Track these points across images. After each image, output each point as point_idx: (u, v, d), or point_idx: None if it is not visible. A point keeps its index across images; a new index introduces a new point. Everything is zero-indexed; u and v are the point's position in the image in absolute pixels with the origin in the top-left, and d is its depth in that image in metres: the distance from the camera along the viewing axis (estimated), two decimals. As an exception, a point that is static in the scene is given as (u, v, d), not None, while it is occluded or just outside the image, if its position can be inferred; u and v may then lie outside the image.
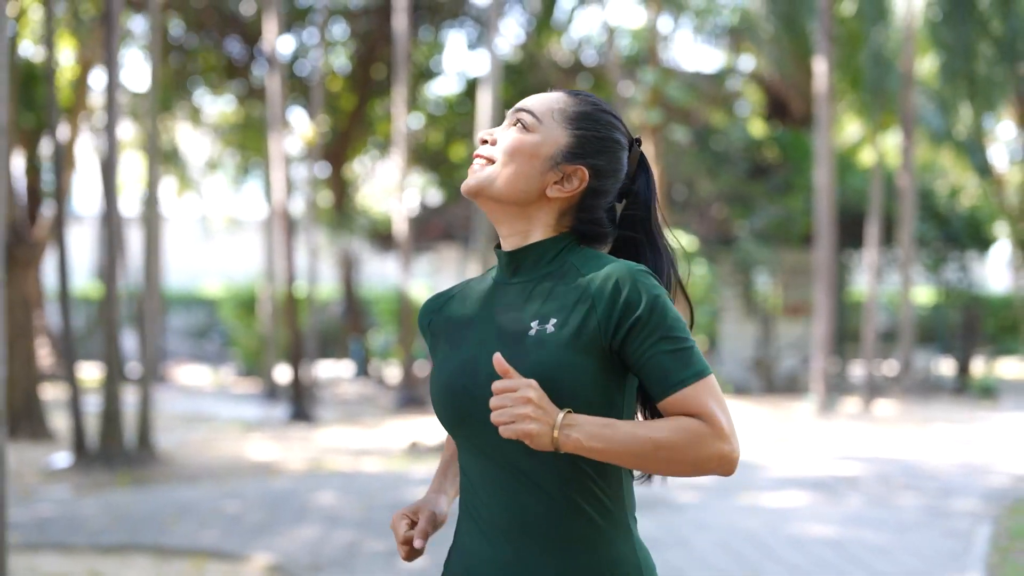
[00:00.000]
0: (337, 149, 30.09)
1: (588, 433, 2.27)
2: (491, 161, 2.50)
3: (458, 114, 31.75)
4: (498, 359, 2.28)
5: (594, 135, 2.55)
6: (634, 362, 2.40)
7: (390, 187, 34.24)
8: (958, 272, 26.69)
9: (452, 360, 2.51)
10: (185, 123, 32.66)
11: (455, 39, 31.85)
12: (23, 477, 12.79)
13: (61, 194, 14.41)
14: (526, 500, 2.42)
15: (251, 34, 28.62)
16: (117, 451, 13.67)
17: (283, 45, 20.24)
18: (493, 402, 2.26)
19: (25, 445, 15.30)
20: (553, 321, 2.43)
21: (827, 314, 20.75)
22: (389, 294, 32.47)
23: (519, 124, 2.51)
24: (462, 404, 2.45)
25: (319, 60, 22.98)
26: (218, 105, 32.75)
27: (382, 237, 29.57)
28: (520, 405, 2.24)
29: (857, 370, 27.29)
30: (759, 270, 25.43)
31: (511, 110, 2.54)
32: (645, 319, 2.38)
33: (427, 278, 26.82)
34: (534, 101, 2.54)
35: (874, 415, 19.93)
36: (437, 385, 2.51)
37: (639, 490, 11.79)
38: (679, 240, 2.86)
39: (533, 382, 2.27)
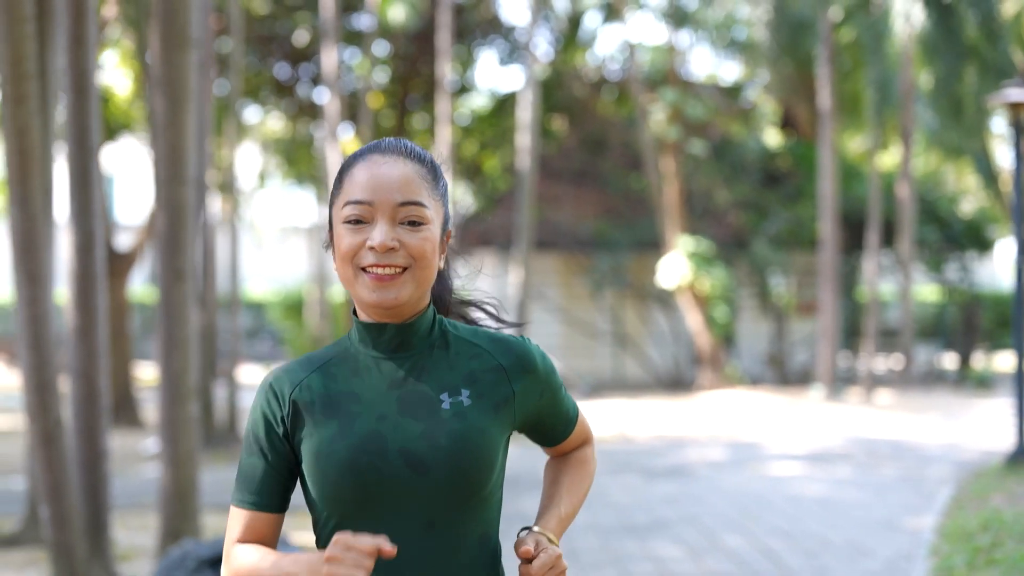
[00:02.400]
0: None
1: (559, 534, 2.53)
2: (403, 268, 2.38)
3: (490, 126, 33.82)
4: (526, 550, 2.36)
5: (446, 191, 2.52)
6: (540, 417, 2.56)
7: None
8: (959, 272, 28.73)
9: (347, 436, 2.39)
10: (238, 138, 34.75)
11: (487, 56, 33.78)
12: (124, 459, 14.93)
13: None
14: (432, 573, 2.39)
15: (297, 54, 30.82)
16: (211, 434, 15.84)
17: (330, 65, 22.28)
18: None
19: (123, 432, 17.48)
20: (465, 393, 2.42)
21: (833, 312, 22.84)
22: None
23: (415, 222, 2.40)
24: (368, 482, 2.36)
25: (364, 79, 25.10)
26: (268, 121, 34.84)
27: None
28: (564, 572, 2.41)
29: (870, 364, 29.28)
30: (773, 272, 27.43)
31: (387, 200, 2.39)
32: (549, 383, 2.55)
33: (465, 282, 28.88)
34: (410, 186, 2.40)
35: (875, 403, 21.97)
36: (330, 462, 2.38)
37: (663, 460, 14.00)
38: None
39: (558, 550, 2.39)
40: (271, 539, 2.49)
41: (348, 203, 2.40)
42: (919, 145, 29.61)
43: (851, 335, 28.19)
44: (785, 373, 27.22)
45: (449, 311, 2.64)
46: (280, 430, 2.45)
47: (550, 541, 2.44)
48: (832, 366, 22.93)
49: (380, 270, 2.37)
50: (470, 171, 34.47)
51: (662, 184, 25.70)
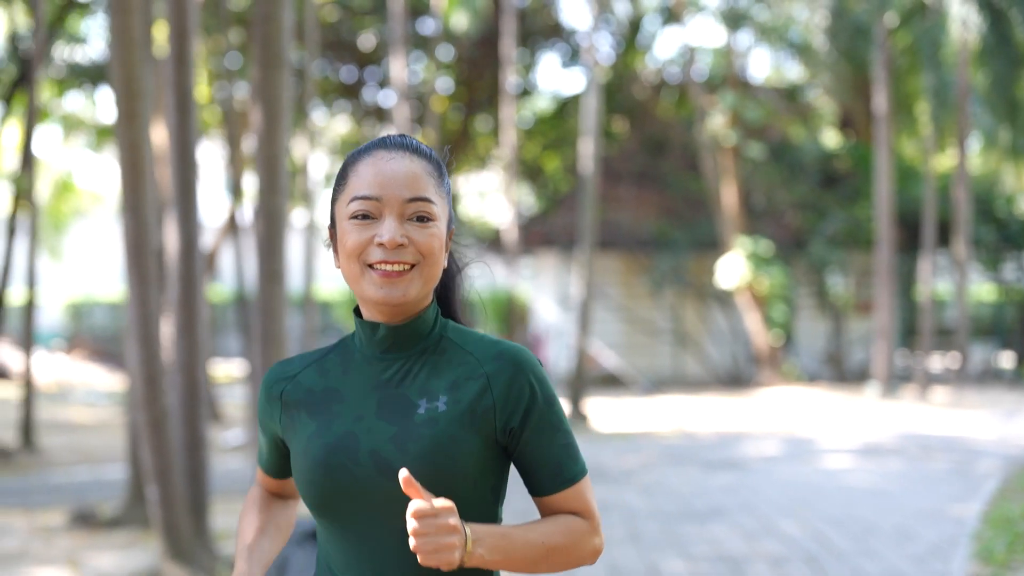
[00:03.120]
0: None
1: (489, 546, 2.26)
2: (411, 265, 2.37)
3: (552, 128, 34.45)
4: (407, 478, 2.17)
5: (450, 189, 2.51)
6: (525, 451, 2.40)
7: (492, 197, 37.16)
8: (1016, 271, 29.10)
9: (324, 436, 2.39)
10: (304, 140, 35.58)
11: (548, 59, 34.42)
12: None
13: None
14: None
15: (363, 58, 31.62)
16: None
17: (399, 70, 22.99)
18: (416, 528, 2.15)
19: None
20: (443, 399, 2.38)
21: (889, 311, 23.31)
22: (491, 296, 35.24)
23: (423, 218, 2.38)
24: (340, 482, 2.35)
25: (429, 82, 25.83)
26: (333, 124, 35.64)
27: (485, 243, 32.26)
28: (446, 534, 2.18)
29: (925, 362, 29.66)
30: (831, 271, 27.90)
31: (396, 195, 2.37)
32: (542, 410, 2.39)
33: (529, 281, 29.52)
34: (418, 182, 2.38)
35: (930, 400, 22.41)
36: (307, 461, 2.39)
37: (721, 453, 14.60)
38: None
39: (451, 505, 2.19)
40: (281, 491, 2.69)
41: (355, 198, 2.38)
42: (977, 146, 30.00)
43: (908, 334, 28.62)
44: (843, 371, 27.68)
45: (454, 312, 2.59)
46: (273, 424, 2.55)
47: (466, 529, 2.24)
48: (888, 364, 23.39)
49: (388, 267, 2.36)
50: (532, 172, 35.10)
51: (721, 185, 26.27)
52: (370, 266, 2.37)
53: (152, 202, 8.48)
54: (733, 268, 25.25)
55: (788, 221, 27.97)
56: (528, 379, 2.39)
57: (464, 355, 2.43)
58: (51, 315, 36.06)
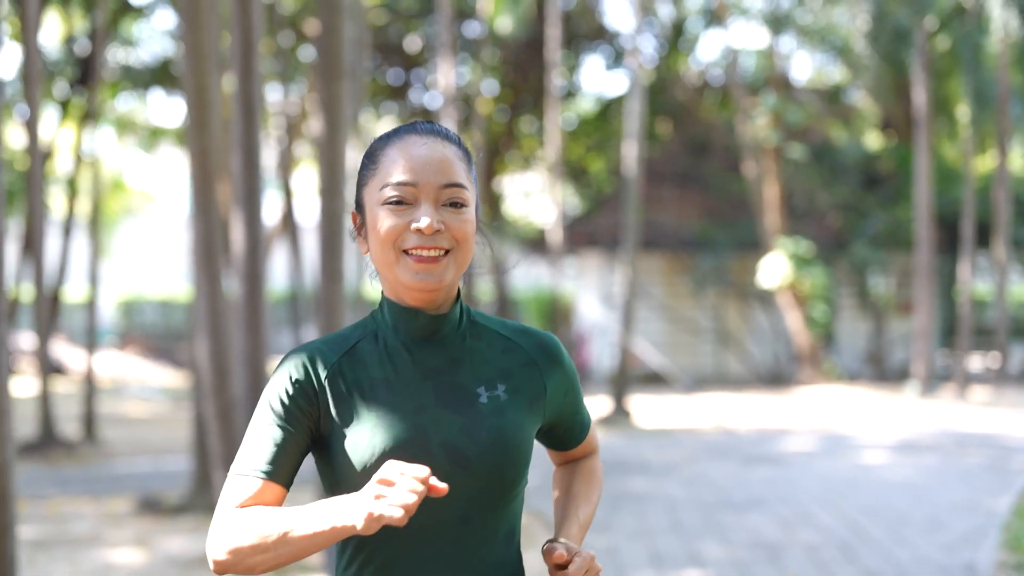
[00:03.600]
0: (488, 164, 33.43)
1: (579, 542, 2.54)
2: (446, 251, 2.38)
3: (595, 129, 34.89)
4: (559, 555, 2.36)
5: (475, 176, 2.51)
6: (560, 417, 2.58)
7: (537, 198, 37.62)
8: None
9: (388, 428, 2.35)
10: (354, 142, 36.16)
11: (592, 60, 34.85)
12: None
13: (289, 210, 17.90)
14: (454, 568, 2.38)
15: (409, 60, 32.17)
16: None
17: (446, 73, 23.50)
18: None
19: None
20: (502, 387, 2.43)
21: (928, 311, 23.62)
22: (535, 295, 35.72)
23: (456, 204, 2.39)
24: None
25: (474, 84, 26.33)
26: (381, 125, 36.19)
27: (530, 243, 32.72)
28: None
29: (965, 361, 29.91)
30: (872, 272, 28.20)
31: (432, 182, 2.37)
32: (574, 383, 2.58)
33: (573, 280, 29.97)
34: (452, 168, 2.40)
35: (968, 399, 22.70)
36: (370, 455, 2.34)
37: (761, 448, 14.98)
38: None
39: (591, 552, 2.40)
40: (278, 504, 2.37)
41: (389, 184, 2.37)
42: (1017, 147, 30.20)
43: (949, 334, 28.88)
44: (884, 370, 27.98)
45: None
46: (310, 410, 2.39)
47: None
48: (928, 364, 23.69)
49: (425, 252, 2.35)
50: (576, 173, 35.54)
51: (762, 186, 26.64)
52: (405, 252, 2.37)
53: (220, 205, 8.97)
54: (775, 268, 25.61)
55: (829, 222, 28.29)
56: (566, 365, 2.53)
57: (504, 340, 2.50)
58: (103, 312, 36.79)
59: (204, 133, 8.69)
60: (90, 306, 17.38)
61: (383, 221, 2.36)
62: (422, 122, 2.46)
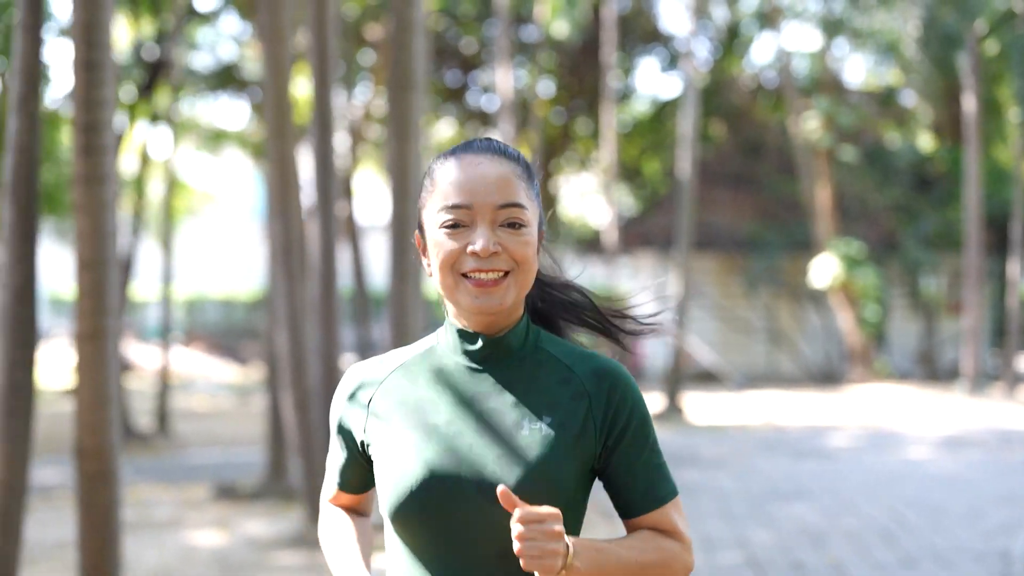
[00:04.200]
0: (544, 166, 33.97)
1: (586, 560, 2.23)
2: (505, 273, 2.32)
3: (650, 131, 35.35)
4: (504, 491, 2.15)
5: (539, 191, 2.45)
6: (618, 471, 2.37)
7: (592, 198, 38.13)
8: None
9: (423, 450, 2.31)
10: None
11: (647, 62, 35.31)
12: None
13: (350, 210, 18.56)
14: None
15: (467, 63, 32.80)
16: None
17: (503, 77, 24.07)
18: (522, 532, 2.13)
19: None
20: (546, 419, 2.33)
21: (977, 311, 23.99)
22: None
23: (515, 224, 2.33)
24: (439, 501, 2.27)
25: (531, 87, 26.89)
26: (439, 127, 36.80)
27: (585, 243, 33.19)
28: (552, 540, 2.16)
29: (1014, 361, 30.20)
30: (924, 272, 28.55)
31: (487, 203, 2.32)
32: (638, 429, 2.36)
33: (628, 280, 30.45)
34: (509, 187, 2.34)
35: (1017, 398, 23.04)
36: (403, 476, 2.30)
37: (809, 444, 15.47)
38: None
39: (558, 513, 2.18)
40: (358, 507, 2.57)
41: (445, 207, 2.32)
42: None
43: (999, 334, 29.15)
44: (935, 370, 28.32)
45: (552, 320, 2.53)
46: (355, 434, 2.43)
47: (567, 540, 2.21)
48: (977, 363, 24.04)
49: (483, 275, 2.30)
50: (631, 174, 36.02)
51: (815, 188, 27.06)
52: (464, 275, 2.31)
53: (299, 208, 9.60)
54: (826, 269, 26.03)
55: (881, 223, 28.65)
56: (627, 400, 2.36)
57: (563, 369, 2.39)
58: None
59: (284, 140, 9.32)
60: (165, 304, 18.14)
61: (440, 246, 2.32)
62: (480, 139, 2.40)
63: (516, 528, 2.13)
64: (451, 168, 2.35)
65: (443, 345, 2.43)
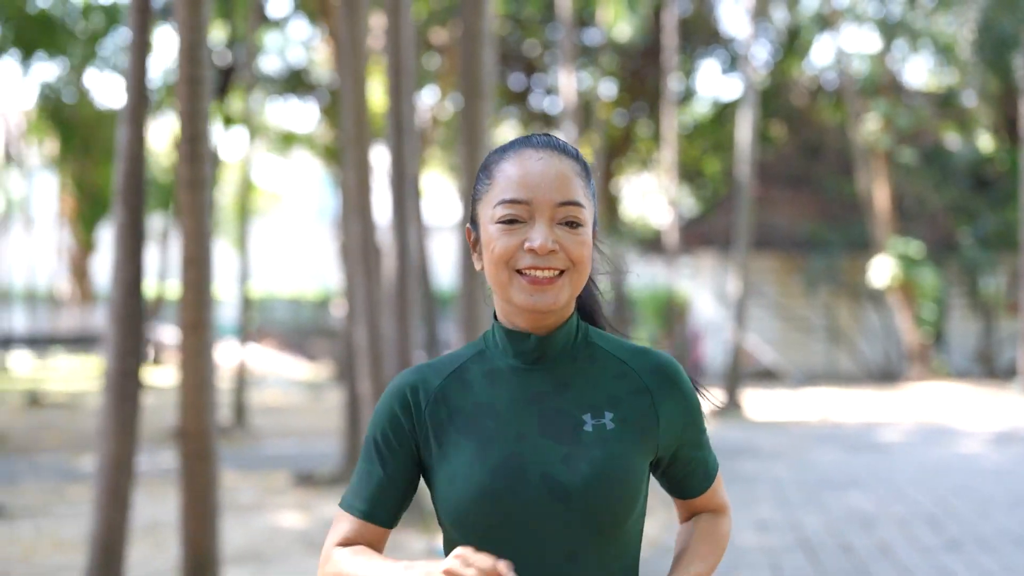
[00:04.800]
0: (606, 166, 34.48)
1: None
2: (561, 271, 2.26)
3: (711, 132, 35.77)
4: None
5: (594, 191, 2.39)
6: (679, 460, 2.39)
7: (653, 199, 38.60)
8: None
9: (486, 458, 2.25)
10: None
11: (709, 64, 35.70)
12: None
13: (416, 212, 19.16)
14: None
15: (530, 66, 33.38)
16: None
17: (567, 80, 24.60)
18: None
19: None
20: (609, 415, 2.29)
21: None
22: (651, 294, 36.66)
23: (573, 223, 2.27)
24: (508, 508, 2.22)
25: (593, 89, 27.43)
26: (502, 129, 37.38)
27: (646, 243, 33.66)
28: None
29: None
30: (983, 272, 28.82)
31: (547, 199, 2.25)
32: (695, 418, 2.38)
33: (689, 280, 30.90)
34: (568, 185, 2.27)
35: (1074, 396, 23.39)
36: (468, 486, 2.24)
37: (863, 438, 15.90)
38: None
39: None
40: (380, 545, 2.37)
41: (502, 202, 2.26)
42: None
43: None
44: (993, 369, 28.60)
45: (596, 318, 2.50)
46: (409, 443, 2.33)
47: None
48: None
49: (539, 273, 2.24)
50: (692, 175, 36.46)
51: (873, 188, 27.41)
52: (519, 272, 2.25)
53: (371, 211, 10.21)
54: (884, 268, 26.39)
55: (940, 223, 28.95)
56: (686, 392, 2.36)
57: (618, 364, 2.36)
58: (238, 309, 38.54)
59: (362, 147, 9.92)
60: (242, 303, 18.88)
61: (496, 240, 2.25)
62: (539, 135, 2.35)
63: None
64: (510, 162, 2.30)
65: (493, 347, 2.37)
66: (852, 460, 14.18)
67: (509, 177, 2.27)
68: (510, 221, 2.25)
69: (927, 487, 12.02)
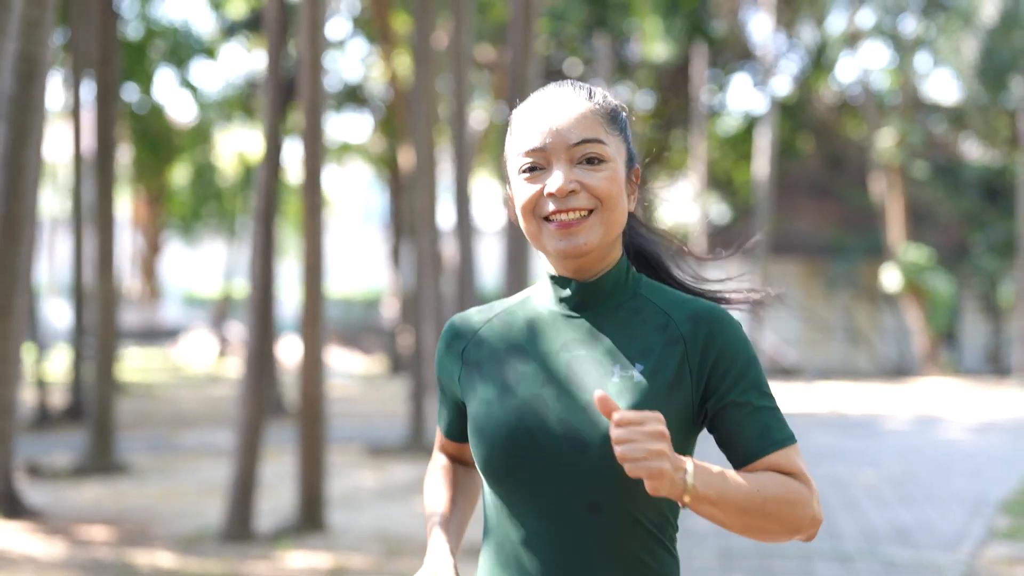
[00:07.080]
0: (640, 174, 36.34)
1: (703, 481, 2.05)
2: (589, 211, 2.22)
3: (742, 143, 37.65)
4: (603, 397, 1.98)
5: (628, 124, 2.35)
6: (727, 418, 2.21)
7: (685, 207, 40.51)
8: None
9: (509, 398, 2.24)
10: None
11: (740, 79, 37.50)
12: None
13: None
14: (587, 560, 2.20)
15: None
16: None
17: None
18: (619, 434, 1.96)
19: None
20: (639, 367, 2.21)
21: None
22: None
23: (593, 160, 2.22)
24: (524, 450, 2.20)
25: (631, 103, 29.34)
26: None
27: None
28: (653, 440, 1.97)
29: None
30: (993, 277, 30.66)
31: (560, 142, 2.22)
32: (742, 373, 2.22)
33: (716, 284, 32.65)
34: (582, 123, 2.23)
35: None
36: (489, 424, 2.24)
37: (862, 426, 18.01)
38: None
39: (659, 415, 2.01)
40: (463, 457, 2.52)
41: (521, 152, 2.25)
42: None
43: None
44: (1001, 368, 30.50)
45: (657, 266, 2.43)
46: (452, 383, 2.40)
47: (691, 469, 2.05)
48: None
49: (564, 215, 2.20)
50: (722, 184, 38.40)
51: (888, 199, 29.39)
52: (546, 219, 2.23)
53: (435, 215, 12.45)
54: (896, 273, 28.37)
55: (952, 231, 30.85)
56: (728, 343, 2.23)
57: (660, 315, 2.27)
58: (292, 308, 40.81)
59: (430, 178, 12.15)
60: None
61: (520, 192, 2.25)
62: (556, 82, 2.35)
63: (615, 432, 1.97)
64: (526, 113, 2.30)
65: (539, 293, 2.36)
66: (845, 441, 16.32)
67: (525, 127, 2.27)
68: (530, 169, 2.25)
69: (902, 460, 14.18)
